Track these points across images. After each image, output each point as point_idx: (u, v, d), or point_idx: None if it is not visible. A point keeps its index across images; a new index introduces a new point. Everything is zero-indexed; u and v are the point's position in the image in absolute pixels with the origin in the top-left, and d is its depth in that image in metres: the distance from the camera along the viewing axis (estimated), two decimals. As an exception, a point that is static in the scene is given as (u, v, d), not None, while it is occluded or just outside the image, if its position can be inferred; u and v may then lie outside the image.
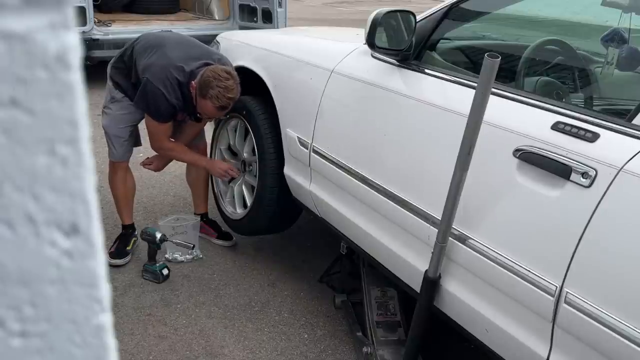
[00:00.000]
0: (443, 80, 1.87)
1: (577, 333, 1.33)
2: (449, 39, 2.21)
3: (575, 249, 1.31)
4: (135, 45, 2.63)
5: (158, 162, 2.96)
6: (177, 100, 2.53)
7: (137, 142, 2.87)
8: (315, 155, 2.27)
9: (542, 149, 1.43)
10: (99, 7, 6.16)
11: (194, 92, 2.51)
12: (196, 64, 2.54)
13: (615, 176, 1.27)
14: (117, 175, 2.82)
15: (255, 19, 5.89)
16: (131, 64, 2.63)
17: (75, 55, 0.27)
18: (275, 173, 2.59)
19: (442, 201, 1.58)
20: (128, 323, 2.37)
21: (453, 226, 1.61)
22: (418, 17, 2.01)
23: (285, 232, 2.92)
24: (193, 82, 2.49)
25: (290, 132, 2.45)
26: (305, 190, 2.41)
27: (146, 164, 2.98)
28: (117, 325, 2.17)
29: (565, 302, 1.33)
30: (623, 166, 1.26)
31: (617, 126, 1.36)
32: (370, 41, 1.95)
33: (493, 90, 1.49)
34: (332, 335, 2.37)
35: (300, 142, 2.37)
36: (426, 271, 1.72)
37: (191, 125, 2.83)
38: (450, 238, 1.63)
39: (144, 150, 3.08)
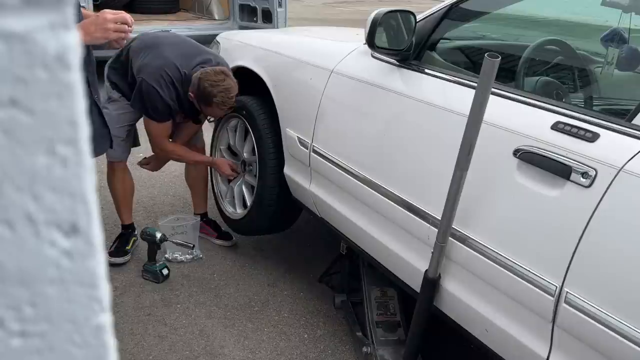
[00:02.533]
0: (443, 80, 1.87)
1: (577, 333, 1.33)
2: (449, 39, 2.21)
3: (575, 248, 1.31)
4: (131, 46, 2.63)
5: (155, 162, 2.97)
6: (172, 100, 2.55)
7: (135, 143, 2.87)
8: (315, 155, 2.27)
9: (542, 149, 1.43)
10: (98, 7, 6.14)
11: (194, 101, 2.54)
12: (191, 64, 2.55)
13: (615, 176, 1.27)
14: (115, 175, 2.82)
15: (255, 19, 5.88)
16: (127, 64, 2.63)
17: (75, 55, 0.27)
18: (275, 173, 2.59)
19: (442, 201, 1.58)
20: (128, 323, 2.37)
21: (453, 226, 1.61)
22: (418, 17, 2.01)
23: (285, 232, 2.92)
24: (190, 92, 2.52)
25: (290, 132, 2.45)
26: (305, 190, 2.40)
27: (144, 164, 2.99)
28: (117, 325, 2.18)
29: (565, 302, 1.33)
30: (623, 166, 1.26)
31: (617, 126, 1.36)
32: (370, 41, 1.94)
33: (493, 90, 1.49)
34: (332, 335, 2.37)
35: (300, 142, 2.37)
36: (426, 271, 1.72)
37: (189, 125, 2.83)
38: (450, 238, 1.63)
39: (144, 151, 3.08)
